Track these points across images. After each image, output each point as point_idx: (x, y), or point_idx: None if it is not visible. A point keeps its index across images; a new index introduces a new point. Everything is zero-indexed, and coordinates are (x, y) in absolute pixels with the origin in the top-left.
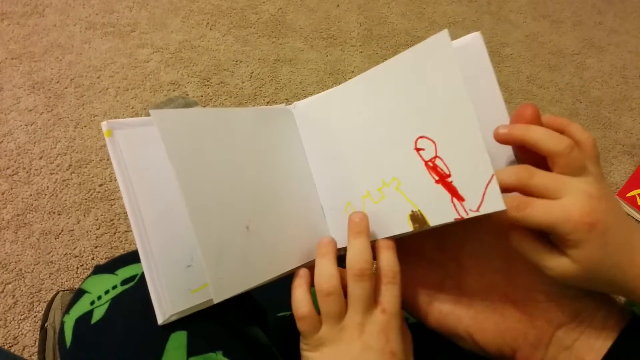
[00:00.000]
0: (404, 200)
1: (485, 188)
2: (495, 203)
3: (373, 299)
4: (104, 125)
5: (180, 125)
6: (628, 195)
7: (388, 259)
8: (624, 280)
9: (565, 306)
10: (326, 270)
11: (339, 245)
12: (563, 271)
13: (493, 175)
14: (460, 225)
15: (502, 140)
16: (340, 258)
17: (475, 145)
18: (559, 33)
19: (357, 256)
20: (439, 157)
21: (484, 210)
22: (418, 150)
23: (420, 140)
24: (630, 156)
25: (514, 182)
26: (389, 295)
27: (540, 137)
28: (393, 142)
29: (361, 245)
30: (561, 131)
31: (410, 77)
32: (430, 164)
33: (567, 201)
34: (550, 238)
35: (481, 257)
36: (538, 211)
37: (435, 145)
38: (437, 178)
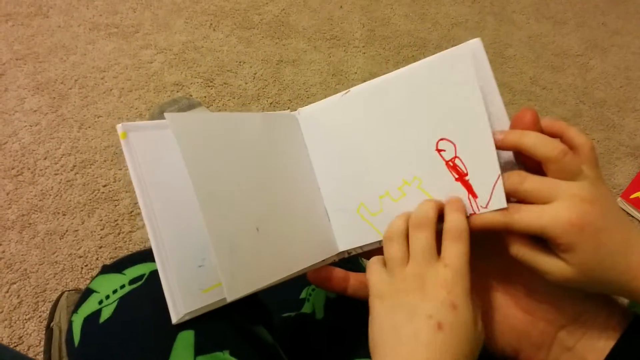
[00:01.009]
0: (425, 197)
1: (493, 187)
2: (499, 201)
3: (435, 254)
4: (119, 127)
5: (193, 128)
6: (632, 197)
7: (455, 219)
8: (622, 282)
9: (567, 307)
10: (395, 220)
11: (349, 247)
12: (561, 275)
13: (499, 175)
14: None
15: (498, 146)
16: (347, 260)
17: (487, 148)
18: (562, 34)
19: (419, 210)
20: (458, 158)
21: (490, 207)
22: (439, 151)
23: (441, 142)
24: (633, 158)
25: (506, 187)
26: (453, 251)
27: (533, 142)
28: (415, 144)
29: (429, 205)
30: (560, 135)
31: (434, 84)
32: (450, 163)
33: (557, 205)
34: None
35: (483, 259)
36: (527, 216)
37: (455, 146)
38: (456, 176)
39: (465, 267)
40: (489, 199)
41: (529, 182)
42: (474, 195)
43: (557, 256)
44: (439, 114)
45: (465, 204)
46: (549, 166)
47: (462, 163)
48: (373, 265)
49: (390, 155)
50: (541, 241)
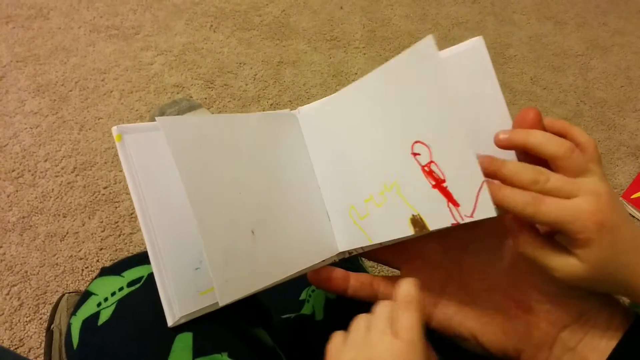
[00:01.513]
0: (405, 204)
1: (477, 195)
2: (487, 210)
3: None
4: (115, 130)
5: (187, 131)
6: (633, 197)
7: (405, 286)
8: (631, 280)
9: (569, 307)
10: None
11: (348, 247)
12: (571, 272)
13: (484, 182)
14: (463, 227)
15: (502, 145)
16: (348, 260)
17: (465, 154)
18: (563, 34)
19: (380, 311)
20: (433, 162)
21: (477, 217)
22: (415, 155)
23: (416, 145)
24: (634, 158)
25: (530, 183)
26: (403, 321)
27: (540, 141)
28: (392, 147)
29: (388, 306)
30: (563, 134)
31: (401, 83)
32: (426, 168)
33: (579, 200)
34: (557, 239)
35: (484, 259)
36: (551, 208)
37: (429, 150)
38: (433, 183)
39: (416, 337)
40: (474, 208)
41: (554, 180)
42: (455, 204)
43: (568, 252)
44: (412, 115)
45: (446, 213)
46: (557, 163)
47: (439, 168)
48: (334, 338)
49: (374, 157)
50: (548, 238)
